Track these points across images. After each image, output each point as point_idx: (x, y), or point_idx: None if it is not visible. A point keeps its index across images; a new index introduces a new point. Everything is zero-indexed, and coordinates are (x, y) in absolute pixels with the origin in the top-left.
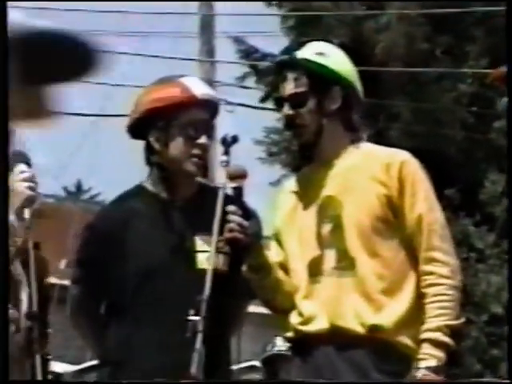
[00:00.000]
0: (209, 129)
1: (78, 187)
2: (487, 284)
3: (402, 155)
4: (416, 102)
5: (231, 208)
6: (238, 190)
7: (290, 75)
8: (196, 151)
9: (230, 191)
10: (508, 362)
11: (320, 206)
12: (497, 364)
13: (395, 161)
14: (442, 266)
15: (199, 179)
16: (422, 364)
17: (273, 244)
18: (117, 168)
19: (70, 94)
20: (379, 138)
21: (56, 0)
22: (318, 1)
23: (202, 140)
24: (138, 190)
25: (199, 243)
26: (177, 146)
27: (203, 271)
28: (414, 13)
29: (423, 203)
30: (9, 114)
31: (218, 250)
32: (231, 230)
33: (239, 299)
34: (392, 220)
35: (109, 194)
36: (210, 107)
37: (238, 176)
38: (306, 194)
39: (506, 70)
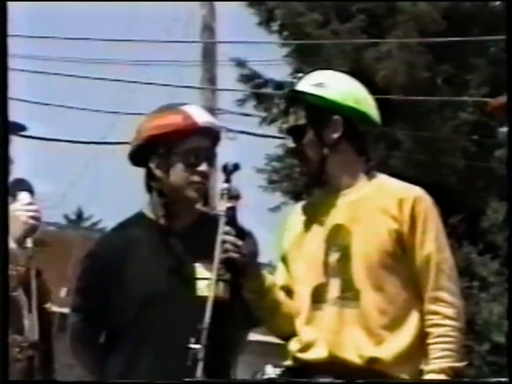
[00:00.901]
0: (210, 156)
1: (79, 215)
2: (489, 313)
3: (416, 191)
4: (417, 131)
5: (225, 228)
6: (233, 211)
7: (291, 109)
8: (197, 178)
9: (224, 212)
10: (508, 362)
11: (328, 234)
12: None
13: (409, 196)
14: (448, 307)
15: (200, 207)
16: None
17: (280, 265)
18: (117, 196)
19: (72, 123)
20: (380, 167)
21: (55, 0)
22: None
23: (203, 167)
24: (138, 218)
25: (199, 270)
26: (177, 173)
27: (203, 299)
28: (414, 41)
29: (433, 242)
30: (8, 115)
31: (219, 278)
32: (226, 251)
33: (240, 326)
34: (400, 256)
35: (109, 222)
36: (212, 135)
37: (232, 197)
38: (316, 219)
39: (505, 100)
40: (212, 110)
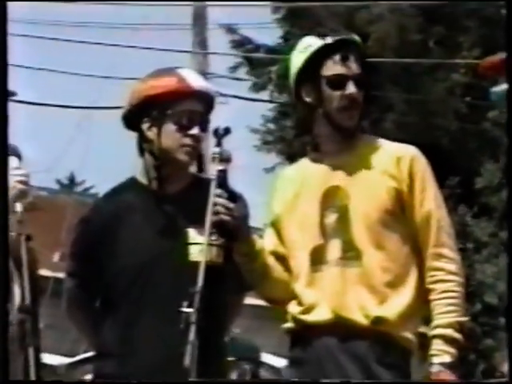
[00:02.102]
0: (203, 121)
1: (72, 180)
2: (483, 274)
3: (413, 150)
4: (409, 93)
5: (217, 191)
6: (223, 174)
7: (353, 55)
8: (188, 141)
9: (215, 175)
10: (508, 363)
11: (325, 196)
12: (491, 354)
13: (406, 155)
14: (451, 263)
15: (192, 171)
16: (436, 360)
17: (269, 231)
18: (110, 160)
19: (62, 87)
20: (373, 130)
21: (53, 0)
22: None
23: (195, 131)
24: (131, 183)
25: (192, 235)
26: (169, 136)
27: (196, 263)
28: (406, 3)
29: (432, 200)
30: (8, 115)
31: (211, 242)
32: (217, 213)
33: (234, 291)
34: (399, 213)
35: (102, 187)
36: (206, 100)
37: (223, 160)
38: (310, 182)
39: (496, 59)
40: (203, 74)
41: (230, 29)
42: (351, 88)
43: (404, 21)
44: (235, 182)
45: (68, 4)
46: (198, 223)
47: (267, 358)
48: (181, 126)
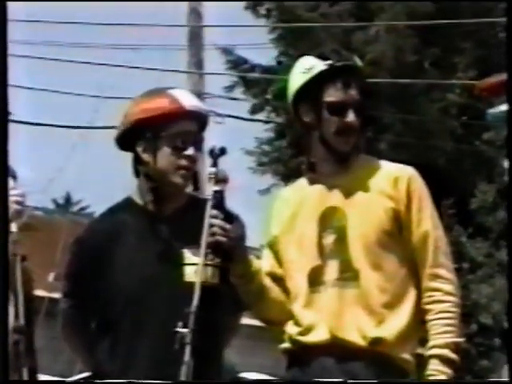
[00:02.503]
0: (197, 141)
1: (67, 200)
2: (478, 294)
3: (410, 170)
4: (405, 114)
5: (213, 212)
6: (220, 194)
7: (354, 82)
8: (184, 163)
9: (211, 196)
10: (508, 363)
11: (323, 216)
12: (486, 375)
13: (403, 175)
14: (448, 283)
15: (188, 191)
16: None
17: (266, 252)
18: (106, 180)
19: (58, 107)
20: (369, 150)
21: (53, 0)
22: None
23: (190, 151)
24: (127, 203)
25: (187, 256)
26: (164, 157)
27: (191, 284)
28: (401, 24)
29: (430, 220)
30: (8, 115)
31: (207, 263)
32: (213, 234)
33: (231, 311)
34: (397, 234)
35: (98, 207)
36: (199, 119)
37: (220, 180)
38: (307, 203)
39: (492, 80)
40: (199, 95)
41: (226, 49)
42: (351, 116)
43: (400, 42)
44: (231, 203)
45: (66, 24)
46: (194, 243)
47: (257, 377)
48: (175, 148)
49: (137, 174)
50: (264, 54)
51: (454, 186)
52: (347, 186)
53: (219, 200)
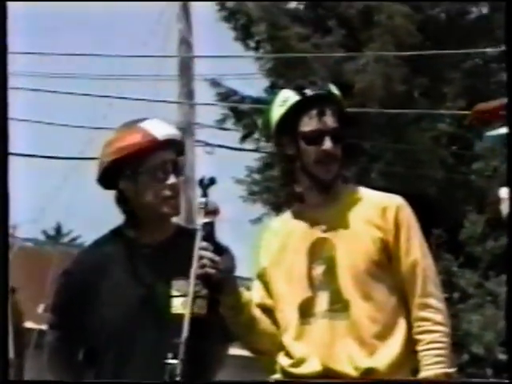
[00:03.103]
0: (176, 168)
1: (58, 230)
2: (469, 324)
3: (398, 200)
4: (395, 143)
5: (203, 244)
6: (210, 226)
7: (329, 110)
8: (168, 193)
9: (201, 227)
10: (508, 363)
11: (311, 247)
12: None
13: (391, 205)
14: (437, 313)
15: (175, 222)
16: None
17: (256, 284)
18: (96, 211)
19: (49, 138)
20: (359, 179)
21: (51, 0)
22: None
23: (171, 180)
24: (115, 235)
25: (175, 287)
26: (148, 192)
27: (179, 316)
28: (390, 54)
29: (418, 249)
30: (8, 115)
31: (196, 295)
32: (203, 266)
33: (218, 341)
34: (386, 264)
35: (88, 237)
36: (174, 146)
37: (210, 212)
38: (296, 234)
39: (490, 105)
40: (189, 125)
41: (215, 81)
42: (327, 143)
43: (389, 71)
44: (221, 234)
45: (54, 56)
46: (182, 274)
47: None
48: (157, 180)
49: (123, 211)
50: (254, 85)
51: (445, 215)
52: (335, 216)
53: (209, 231)
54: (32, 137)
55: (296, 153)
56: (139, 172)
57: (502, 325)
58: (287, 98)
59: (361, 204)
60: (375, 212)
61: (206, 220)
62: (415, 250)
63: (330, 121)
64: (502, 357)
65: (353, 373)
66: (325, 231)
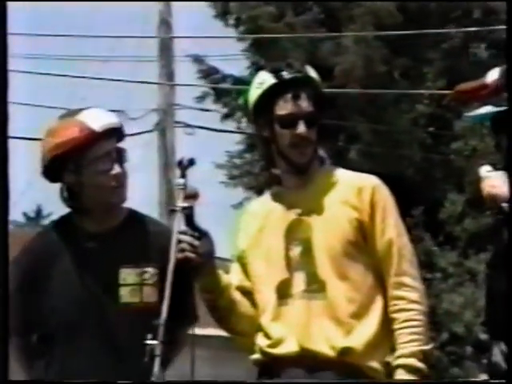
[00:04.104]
0: (119, 156)
1: (38, 213)
2: (450, 303)
3: (374, 180)
4: (375, 124)
5: (182, 228)
6: (190, 210)
7: (304, 93)
8: (113, 183)
9: (181, 210)
10: (507, 363)
11: (288, 229)
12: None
13: (367, 185)
14: (412, 291)
15: (125, 208)
16: None
17: (234, 266)
18: None
19: (27, 119)
20: (338, 160)
21: (49, 0)
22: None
23: (116, 170)
24: (63, 223)
25: (123, 276)
26: (93, 184)
27: (127, 305)
28: (370, 34)
29: (394, 228)
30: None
31: (144, 282)
32: (182, 250)
33: (183, 323)
34: (362, 244)
35: None
36: (114, 135)
37: (190, 196)
38: (273, 216)
39: (472, 84)
40: (170, 106)
41: (197, 59)
42: (301, 127)
43: (369, 52)
44: (202, 218)
45: (35, 37)
46: (130, 262)
47: None
48: (100, 172)
49: (68, 204)
50: (235, 64)
51: (424, 195)
52: (311, 197)
53: (189, 215)
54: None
55: (272, 136)
56: (82, 165)
57: (482, 303)
58: (264, 80)
59: (337, 185)
60: (351, 192)
61: (186, 204)
62: (390, 230)
63: (304, 104)
64: (482, 336)
65: (330, 352)
66: (301, 213)
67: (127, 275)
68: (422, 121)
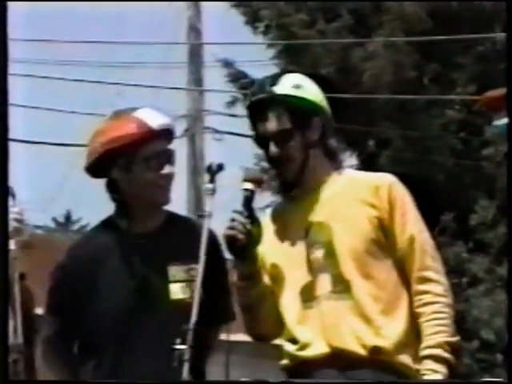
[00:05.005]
0: (170, 157)
1: (67, 218)
2: (479, 310)
3: (390, 178)
4: (405, 130)
5: (238, 209)
6: (250, 193)
7: (271, 113)
8: (162, 182)
9: (242, 192)
10: (507, 363)
11: (309, 234)
12: None
13: (383, 183)
14: (436, 285)
15: (165, 209)
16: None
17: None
18: (105, 198)
19: (58, 125)
20: (369, 165)
21: (53, 0)
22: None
23: (167, 170)
24: (106, 226)
25: (171, 273)
26: (141, 181)
27: (177, 302)
28: (400, 40)
29: (414, 224)
30: (8, 114)
31: (193, 279)
32: (232, 228)
33: (212, 325)
34: (383, 241)
35: None
36: (168, 136)
37: (253, 180)
38: (291, 222)
39: (500, 92)
40: (198, 112)
41: (226, 64)
42: (272, 148)
43: (399, 57)
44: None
45: (64, 43)
46: (176, 260)
47: None
48: (151, 170)
49: (114, 198)
50: (265, 71)
51: (455, 201)
52: (330, 200)
53: (248, 198)
54: (40, 125)
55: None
56: (133, 161)
57: None
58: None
59: (353, 185)
60: (368, 191)
61: (249, 187)
62: (411, 226)
63: (272, 125)
64: None
65: (361, 351)
66: (320, 216)
67: (176, 272)
68: (453, 127)
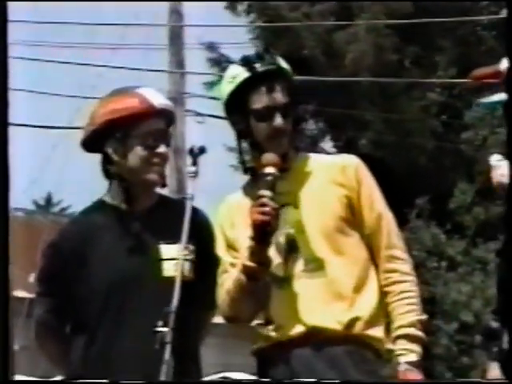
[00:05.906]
0: (167, 138)
1: (48, 201)
2: (458, 292)
3: (355, 158)
4: (386, 112)
5: (265, 192)
6: (272, 177)
7: (278, 85)
8: (156, 160)
9: (263, 176)
10: (507, 363)
11: (279, 214)
12: (467, 372)
13: (350, 163)
14: (404, 263)
15: (158, 190)
16: (402, 359)
17: (226, 257)
18: (86, 181)
19: (39, 107)
20: (349, 147)
21: (51, 0)
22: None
23: (162, 149)
24: (99, 205)
25: (164, 251)
26: (136, 157)
27: (169, 279)
28: (381, 23)
29: (380, 203)
30: (8, 114)
31: (185, 257)
32: (264, 213)
33: (205, 308)
34: (352, 219)
35: (79, 207)
36: (167, 117)
37: (274, 163)
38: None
39: (490, 69)
40: (180, 94)
41: (208, 46)
42: (278, 120)
43: (380, 40)
44: (211, 204)
45: (46, 24)
46: (168, 239)
47: (240, 376)
48: (147, 146)
49: (107, 174)
50: (245, 52)
51: (434, 184)
52: (296, 182)
53: (271, 182)
54: (21, 107)
55: (247, 129)
56: (131, 136)
57: (491, 292)
58: (236, 74)
59: (320, 167)
60: (335, 171)
61: (270, 171)
62: (378, 205)
63: (279, 96)
64: (493, 324)
65: (336, 327)
66: (288, 198)
67: (168, 250)
68: (433, 109)
